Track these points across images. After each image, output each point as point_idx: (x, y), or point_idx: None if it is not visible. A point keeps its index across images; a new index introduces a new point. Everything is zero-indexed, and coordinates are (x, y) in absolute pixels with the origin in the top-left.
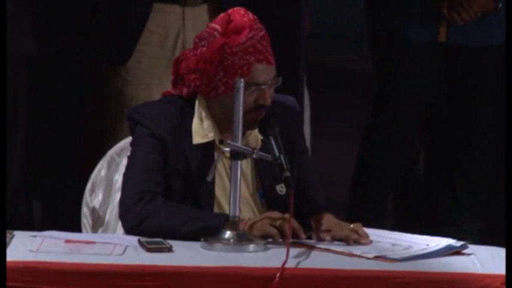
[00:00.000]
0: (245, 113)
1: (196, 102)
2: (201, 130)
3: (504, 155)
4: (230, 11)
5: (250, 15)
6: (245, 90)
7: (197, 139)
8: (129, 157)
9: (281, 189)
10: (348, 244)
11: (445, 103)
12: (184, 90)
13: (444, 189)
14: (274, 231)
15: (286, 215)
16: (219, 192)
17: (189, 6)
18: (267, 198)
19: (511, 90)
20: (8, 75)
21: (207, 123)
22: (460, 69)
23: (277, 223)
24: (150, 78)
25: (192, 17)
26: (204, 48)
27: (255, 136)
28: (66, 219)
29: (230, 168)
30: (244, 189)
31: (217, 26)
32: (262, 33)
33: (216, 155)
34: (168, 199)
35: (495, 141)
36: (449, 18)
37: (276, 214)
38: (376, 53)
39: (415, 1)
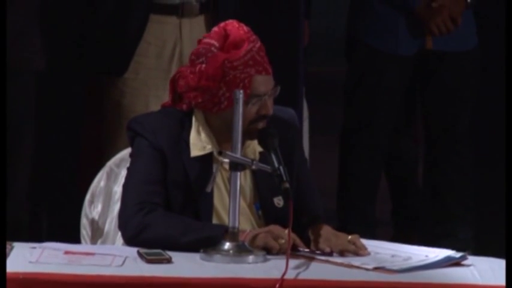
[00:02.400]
0: (248, 124)
1: (194, 115)
2: (199, 142)
3: (484, 159)
4: (223, 24)
5: (245, 27)
6: (247, 102)
7: (195, 152)
8: (128, 168)
9: (278, 201)
10: (345, 256)
11: (427, 111)
12: (184, 106)
13: (436, 199)
14: (276, 245)
15: (286, 232)
16: (217, 203)
17: (186, 18)
18: (264, 210)
19: (511, 90)
20: (16, 89)
21: (204, 135)
22: (440, 76)
23: (281, 242)
24: (147, 90)
25: (189, 28)
26: (204, 65)
27: (253, 148)
28: (66, 230)
29: (228, 180)
30: (242, 201)
31: (213, 42)
32: (258, 44)
33: (214, 166)
34: (168, 210)
35: (473, 146)
36: (429, 30)
37: (278, 229)
38: (352, 64)
39: (402, 18)
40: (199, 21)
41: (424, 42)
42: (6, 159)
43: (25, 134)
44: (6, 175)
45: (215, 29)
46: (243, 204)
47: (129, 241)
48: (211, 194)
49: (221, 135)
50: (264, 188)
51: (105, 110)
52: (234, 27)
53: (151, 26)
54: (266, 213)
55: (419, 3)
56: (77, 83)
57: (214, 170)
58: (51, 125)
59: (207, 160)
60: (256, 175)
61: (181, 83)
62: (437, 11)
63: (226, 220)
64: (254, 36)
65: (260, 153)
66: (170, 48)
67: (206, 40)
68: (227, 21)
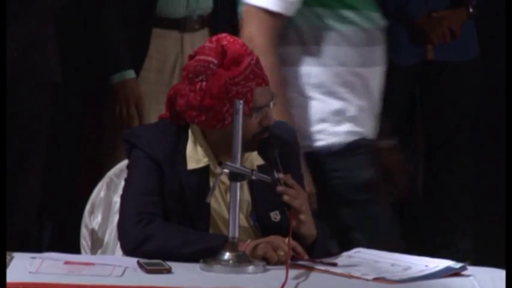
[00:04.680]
0: (252, 137)
1: (190, 128)
2: (195, 155)
3: (484, 169)
4: (215, 39)
5: (240, 41)
6: (250, 115)
7: (191, 164)
8: (126, 179)
9: (275, 216)
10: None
11: (428, 121)
12: (183, 122)
13: (436, 210)
14: (275, 256)
15: (286, 240)
16: (214, 214)
17: (187, 32)
18: (260, 223)
19: (511, 92)
20: (32, 101)
21: (200, 148)
22: (441, 86)
23: (280, 253)
24: (147, 103)
25: (190, 43)
26: (204, 83)
27: (251, 161)
28: (66, 240)
29: (225, 191)
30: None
31: (211, 59)
32: (255, 56)
33: (211, 179)
34: (166, 220)
35: (473, 156)
36: (430, 41)
37: (278, 240)
38: None
39: (403, 29)
40: (201, 35)
41: (425, 53)
42: (6, 167)
43: (40, 145)
44: (6, 185)
45: (209, 44)
46: (241, 216)
47: (128, 253)
48: (208, 205)
49: (219, 148)
50: (261, 203)
51: (106, 121)
52: (230, 42)
53: (153, 40)
54: (262, 226)
55: (420, 15)
56: (78, 94)
57: (211, 182)
58: (51, 135)
59: (203, 173)
60: (253, 189)
61: (180, 101)
62: (438, 22)
63: (224, 231)
64: (250, 49)
65: (258, 166)
66: (171, 63)
67: (202, 57)
68: (219, 36)
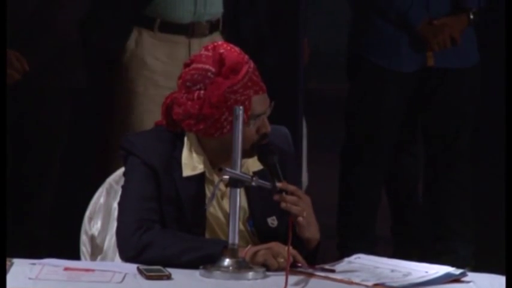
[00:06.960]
0: (250, 144)
1: (186, 135)
2: (191, 162)
3: (484, 175)
4: (211, 47)
5: (237, 49)
6: (248, 123)
7: (187, 171)
8: (123, 186)
9: (272, 221)
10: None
11: (428, 128)
12: (179, 130)
13: (436, 216)
14: (275, 263)
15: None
16: (210, 220)
17: (195, 38)
18: (257, 228)
19: (511, 92)
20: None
21: (196, 155)
22: (441, 92)
23: (280, 260)
24: (154, 106)
25: (198, 48)
26: (203, 92)
27: (247, 168)
28: (65, 246)
29: (221, 197)
30: None
31: (208, 67)
32: (252, 64)
33: (206, 186)
34: (164, 226)
35: (473, 162)
36: (430, 48)
37: (279, 246)
38: (354, 81)
39: (403, 35)
40: (210, 41)
41: (426, 60)
42: (6, 173)
43: (57, 153)
44: (6, 190)
45: (205, 52)
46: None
47: (128, 261)
48: (204, 210)
49: (216, 156)
50: (257, 209)
51: (113, 125)
52: (227, 50)
53: (160, 44)
54: (260, 232)
55: (421, 22)
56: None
57: (206, 189)
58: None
59: (199, 180)
60: (249, 195)
61: (177, 110)
62: (439, 29)
63: (220, 235)
64: (247, 56)
65: (254, 172)
66: (179, 68)
67: (199, 65)
68: (215, 44)
